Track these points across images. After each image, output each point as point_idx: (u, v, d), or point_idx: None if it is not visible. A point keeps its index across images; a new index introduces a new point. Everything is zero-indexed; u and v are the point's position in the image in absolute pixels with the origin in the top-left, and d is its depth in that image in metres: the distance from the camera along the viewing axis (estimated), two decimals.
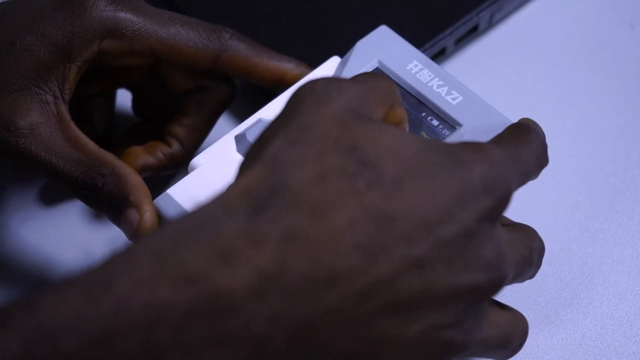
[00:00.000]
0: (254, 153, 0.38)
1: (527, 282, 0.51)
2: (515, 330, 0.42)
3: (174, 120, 0.53)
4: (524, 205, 0.54)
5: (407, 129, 0.42)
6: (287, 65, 0.51)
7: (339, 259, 0.35)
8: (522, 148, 0.41)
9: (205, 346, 0.34)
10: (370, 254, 0.35)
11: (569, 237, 0.53)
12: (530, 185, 0.54)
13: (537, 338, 0.50)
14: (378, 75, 0.41)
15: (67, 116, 0.48)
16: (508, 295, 0.51)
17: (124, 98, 0.58)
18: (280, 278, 0.34)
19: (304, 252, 0.34)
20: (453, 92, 0.49)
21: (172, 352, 0.33)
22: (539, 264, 0.43)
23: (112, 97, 0.56)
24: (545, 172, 0.55)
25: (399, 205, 0.36)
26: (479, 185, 0.37)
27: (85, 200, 0.47)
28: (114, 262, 0.34)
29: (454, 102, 0.49)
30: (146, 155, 0.52)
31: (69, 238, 0.55)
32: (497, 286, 0.38)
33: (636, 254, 0.52)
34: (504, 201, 0.38)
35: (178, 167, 0.54)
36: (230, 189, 0.36)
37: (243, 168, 0.38)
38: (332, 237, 0.35)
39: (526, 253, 0.41)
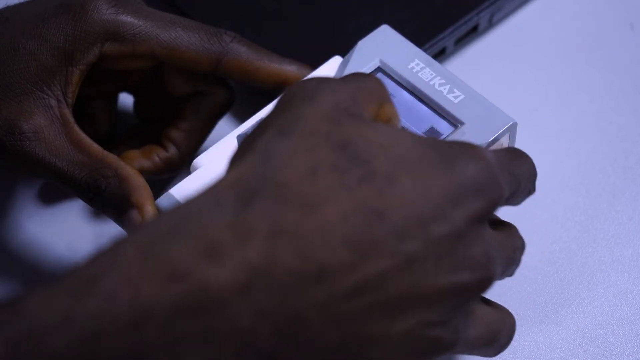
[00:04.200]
0: (245, 146, 0.38)
1: (527, 282, 0.52)
2: (503, 326, 0.42)
3: (171, 125, 0.53)
4: (524, 205, 0.54)
5: (399, 126, 0.42)
6: (288, 68, 0.51)
7: (329, 255, 0.34)
8: (515, 162, 0.41)
9: (192, 344, 0.33)
10: (361, 249, 0.35)
11: (569, 237, 0.53)
12: None
13: (537, 338, 0.50)
14: (367, 74, 0.41)
15: (71, 119, 0.48)
16: (508, 295, 0.51)
17: (126, 98, 0.58)
18: (268, 273, 0.34)
19: (293, 246, 0.34)
20: (455, 90, 0.49)
21: (159, 351, 0.33)
22: (519, 262, 0.43)
23: (114, 99, 0.56)
24: (545, 172, 0.55)
25: (390, 201, 0.36)
26: (471, 184, 0.37)
27: (89, 202, 0.48)
28: (99, 260, 0.34)
29: (456, 101, 0.49)
30: (142, 158, 0.52)
31: (71, 234, 0.55)
32: (485, 286, 0.38)
33: (636, 254, 0.52)
34: (495, 204, 0.38)
35: (174, 171, 0.54)
36: (220, 180, 0.36)
37: (234, 160, 0.38)
38: (321, 231, 0.35)
39: (511, 253, 0.41)
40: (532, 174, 0.42)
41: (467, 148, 0.38)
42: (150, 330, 0.33)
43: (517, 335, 0.49)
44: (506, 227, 0.42)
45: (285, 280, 0.34)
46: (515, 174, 0.40)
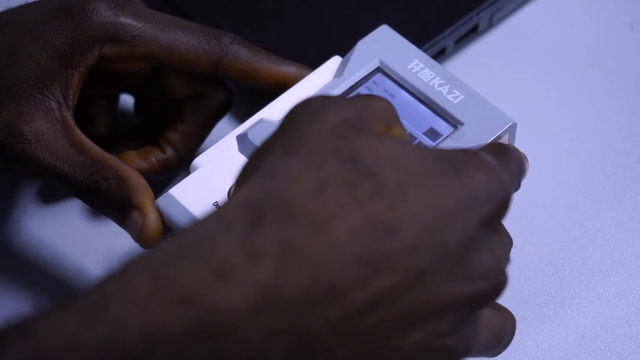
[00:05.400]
0: (250, 166, 0.37)
1: (527, 282, 0.52)
2: (506, 329, 0.42)
3: (169, 126, 0.53)
4: (524, 205, 0.54)
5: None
6: (288, 69, 0.51)
7: (340, 272, 0.34)
8: (508, 159, 0.41)
9: None
10: (373, 265, 0.34)
11: (569, 237, 0.53)
12: (530, 185, 0.55)
13: (537, 338, 0.50)
14: (376, 96, 0.40)
15: (72, 122, 0.48)
16: (508, 295, 0.51)
17: (126, 99, 0.58)
18: (279, 294, 0.33)
19: (304, 266, 0.34)
20: (454, 90, 0.49)
21: None
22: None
23: (115, 100, 0.56)
24: (545, 172, 0.55)
25: (402, 215, 0.35)
26: (482, 191, 0.37)
27: (90, 204, 0.48)
28: (109, 284, 0.34)
29: (456, 101, 0.49)
30: (139, 160, 0.52)
31: (72, 234, 0.55)
32: (498, 293, 0.38)
33: (636, 254, 0.52)
34: (504, 207, 0.38)
35: (171, 173, 0.54)
36: (228, 202, 0.36)
37: (240, 181, 0.37)
38: (332, 249, 0.34)
39: (508, 253, 0.41)
40: (520, 169, 0.42)
41: (472, 156, 0.38)
42: (161, 356, 0.32)
43: (517, 335, 0.50)
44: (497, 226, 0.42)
45: (297, 300, 0.34)
46: (510, 169, 0.40)
